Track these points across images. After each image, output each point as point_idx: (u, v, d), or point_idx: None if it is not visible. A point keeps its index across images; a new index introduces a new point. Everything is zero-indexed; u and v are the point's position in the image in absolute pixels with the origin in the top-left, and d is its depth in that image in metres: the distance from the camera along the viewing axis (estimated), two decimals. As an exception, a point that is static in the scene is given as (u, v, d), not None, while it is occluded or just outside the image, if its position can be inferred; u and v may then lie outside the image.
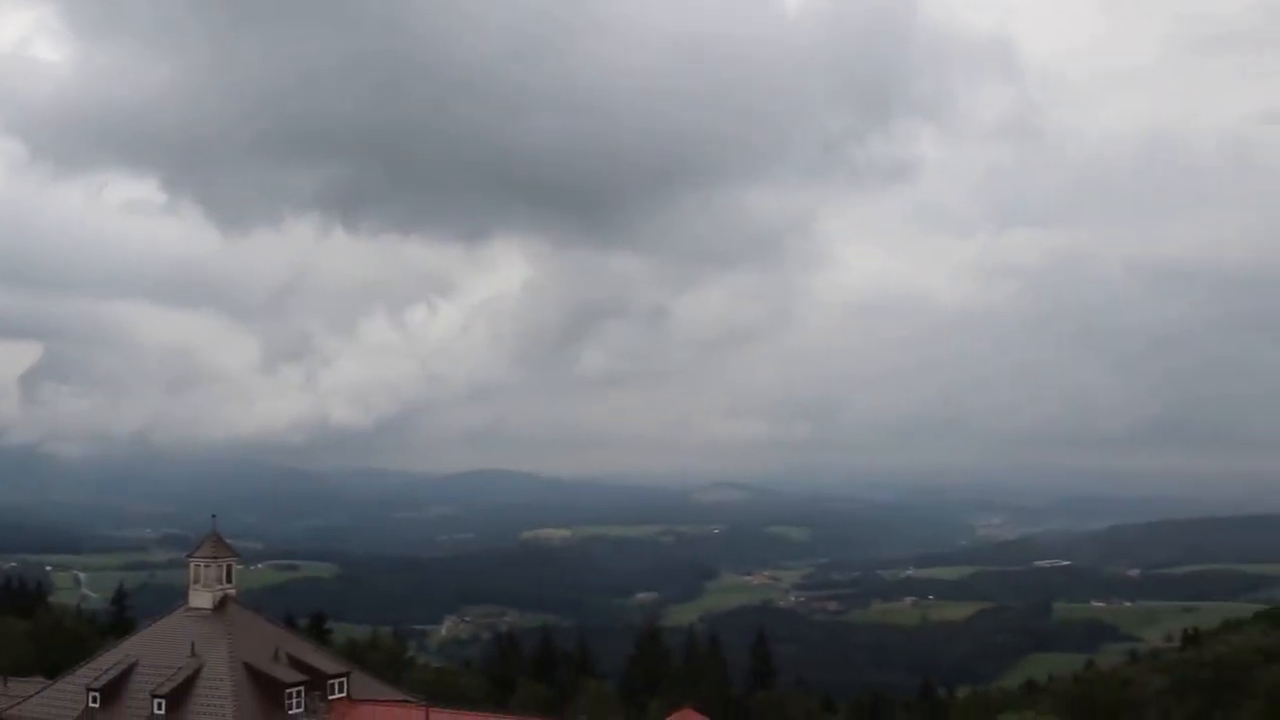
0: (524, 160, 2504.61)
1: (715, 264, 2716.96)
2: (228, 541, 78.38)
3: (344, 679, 74.50)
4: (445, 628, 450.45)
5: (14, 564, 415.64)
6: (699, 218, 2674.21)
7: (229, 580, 76.71)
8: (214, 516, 79.16)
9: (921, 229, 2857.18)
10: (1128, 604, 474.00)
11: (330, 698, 72.06)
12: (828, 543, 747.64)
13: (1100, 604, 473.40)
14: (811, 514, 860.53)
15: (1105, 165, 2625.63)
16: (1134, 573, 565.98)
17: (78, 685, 73.37)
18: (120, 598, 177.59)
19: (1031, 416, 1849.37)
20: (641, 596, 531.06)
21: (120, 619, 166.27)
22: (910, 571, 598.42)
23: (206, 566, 76.14)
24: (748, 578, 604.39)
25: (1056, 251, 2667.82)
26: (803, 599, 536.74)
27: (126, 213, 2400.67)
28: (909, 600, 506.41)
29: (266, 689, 70.19)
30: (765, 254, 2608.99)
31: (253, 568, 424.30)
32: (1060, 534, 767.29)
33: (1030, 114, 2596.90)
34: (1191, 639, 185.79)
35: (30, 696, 75.96)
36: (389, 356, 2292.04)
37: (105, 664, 74.36)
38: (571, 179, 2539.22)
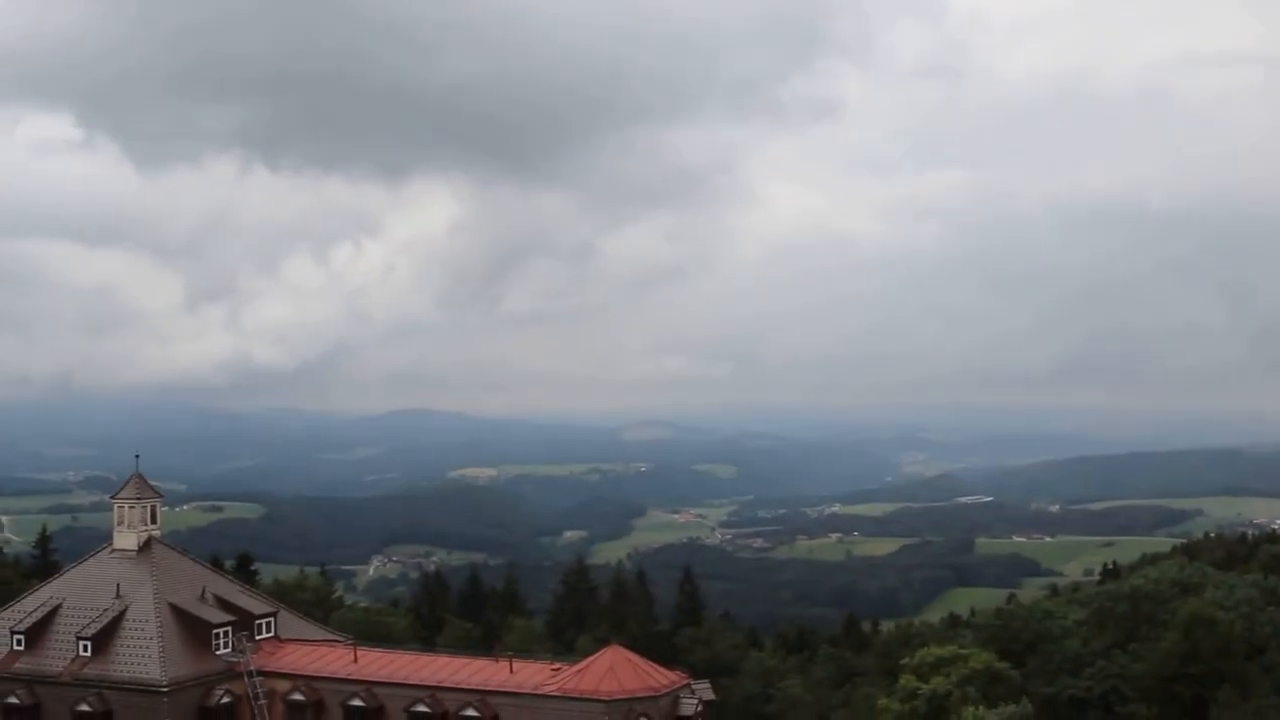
0: (445, 98, 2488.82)
1: (641, 202, 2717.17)
2: (152, 483, 77.67)
3: (271, 619, 74.37)
4: (372, 568, 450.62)
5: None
6: (624, 156, 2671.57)
7: (154, 521, 76.05)
8: (138, 457, 78.33)
9: (845, 168, 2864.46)
10: (1048, 539, 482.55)
11: (258, 638, 71.93)
12: (753, 480, 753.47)
13: (1021, 539, 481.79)
14: (737, 452, 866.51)
15: (1026, 106, 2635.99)
16: (1054, 508, 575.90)
17: (1, 628, 72.70)
18: (43, 540, 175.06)
19: (953, 355, 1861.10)
20: (569, 535, 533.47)
21: (44, 562, 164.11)
22: (835, 508, 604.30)
23: (131, 508, 75.44)
24: (675, 515, 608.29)
25: (977, 192, 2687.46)
26: (729, 536, 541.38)
27: (40, 151, 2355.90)
28: (834, 536, 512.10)
29: (193, 630, 69.91)
30: (691, 193, 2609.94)
31: (177, 509, 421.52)
32: (982, 471, 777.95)
33: (952, 55, 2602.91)
34: (1110, 573, 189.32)
35: (-47, 640, 75.27)
36: (313, 296, 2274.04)
37: (29, 606, 73.63)
38: (494, 116, 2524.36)
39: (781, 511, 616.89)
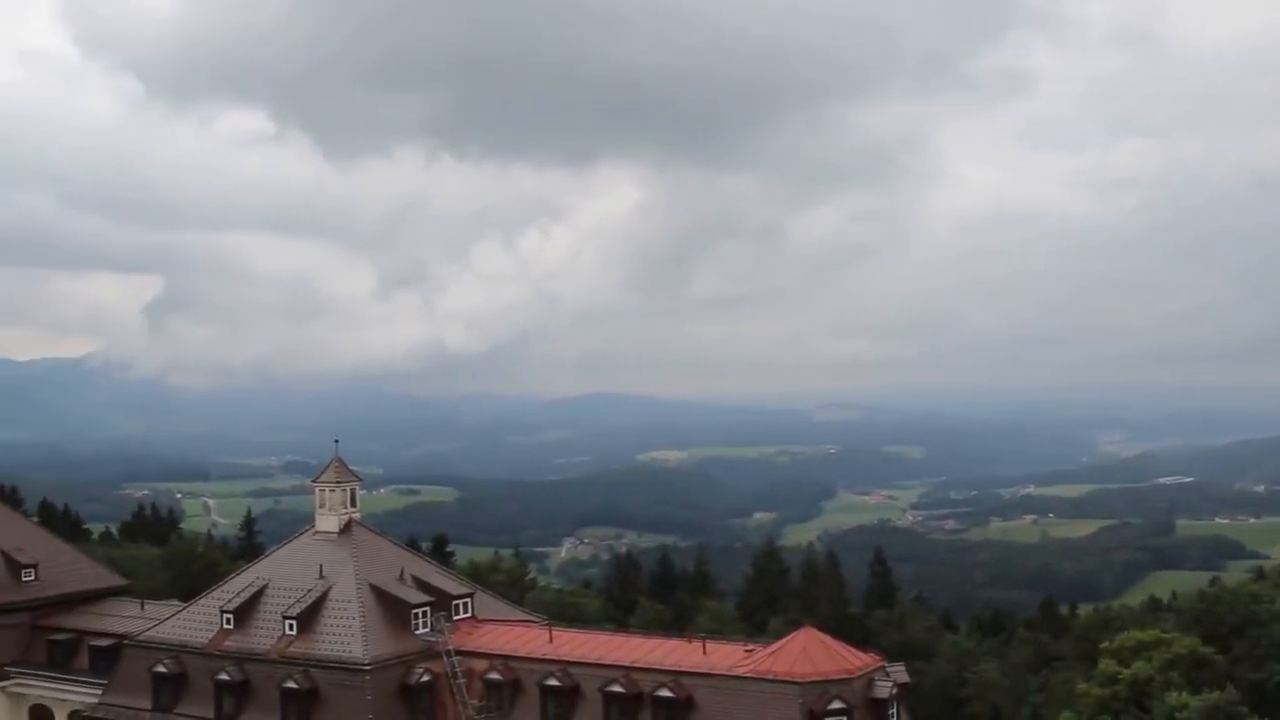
0: (628, 82, 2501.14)
1: (827, 182, 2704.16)
2: (350, 467, 79.43)
3: (468, 599, 75.54)
4: (564, 550, 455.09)
5: (146, 492, 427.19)
6: (810, 135, 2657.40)
7: (353, 505, 77.84)
8: (337, 442, 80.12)
9: (1034, 142, 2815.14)
10: (1253, 520, 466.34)
11: (455, 618, 73.12)
12: (944, 461, 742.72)
13: (1224, 520, 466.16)
14: (927, 432, 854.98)
15: (1223, 73, 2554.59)
16: (1259, 488, 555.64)
17: (211, 608, 75.18)
18: (248, 523, 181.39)
19: (1146, 331, 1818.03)
20: (759, 517, 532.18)
21: (249, 544, 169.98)
22: (1029, 489, 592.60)
23: (331, 491, 77.32)
24: (865, 497, 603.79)
25: (1170, 161, 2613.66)
26: (920, 518, 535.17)
27: (237, 144, 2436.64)
28: (1028, 518, 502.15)
29: (393, 609, 71.36)
30: (876, 171, 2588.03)
31: (375, 493, 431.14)
32: (1181, 449, 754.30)
33: (1144, 22, 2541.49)
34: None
35: (167, 619, 77.94)
36: (502, 282, 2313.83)
37: (237, 587, 76.04)
38: (677, 99, 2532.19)
39: (974, 493, 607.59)
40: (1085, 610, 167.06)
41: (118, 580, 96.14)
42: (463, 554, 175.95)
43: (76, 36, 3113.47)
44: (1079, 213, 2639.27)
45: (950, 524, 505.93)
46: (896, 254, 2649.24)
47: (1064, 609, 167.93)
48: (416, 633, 70.49)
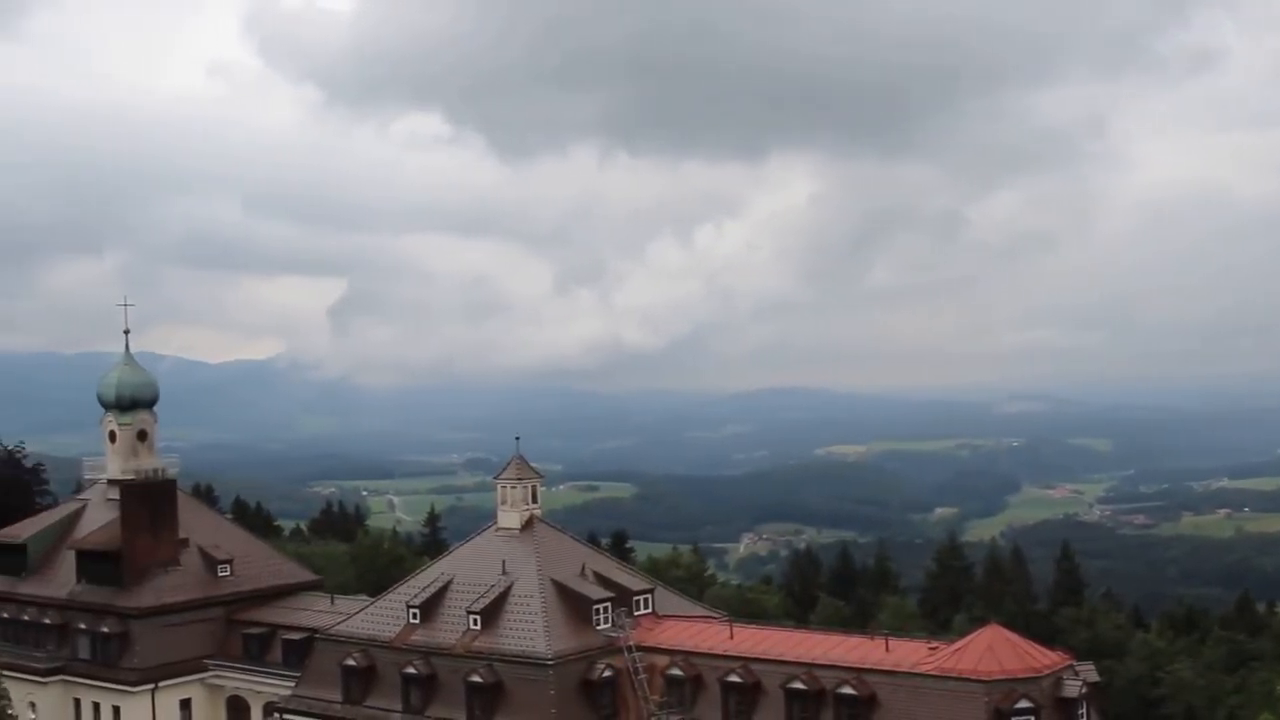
0: (800, 72, 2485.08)
1: (1007, 168, 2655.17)
2: (531, 464, 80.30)
3: (649, 595, 75.87)
4: (743, 545, 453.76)
5: (333, 490, 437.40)
6: (987, 121, 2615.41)
7: (534, 501, 78.70)
8: (518, 439, 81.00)
9: (1223, 123, 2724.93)
10: None
11: (636, 614, 73.49)
12: (1132, 454, 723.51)
13: None
14: (1114, 425, 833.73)
15: None
16: None
17: (398, 603, 76.67)
18: (432, 520, 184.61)
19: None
20: (940, 512, 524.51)
21: (433, 540, 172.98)
22: (1222, 482, 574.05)
23: (513, 488, 78.29)
24: (1050, 491, 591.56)
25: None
26: (1108, 512, 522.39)
27: (414, 147, 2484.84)
28: (1222, 512, 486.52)
29: (575, 605, 72.01)
30: (1060, 156, 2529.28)
31: (555, 489, 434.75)
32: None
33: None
34: None
35: (356, 614, 79.77)
36: (678, 277, 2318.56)
37: (423, 582, 77.45)
38: (850, 88, 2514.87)
39: (1164, 486, 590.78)
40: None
41: (308, 575, 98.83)
42: (641, 550, 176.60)
43: (260, 48, 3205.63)
44: (1271, 196, 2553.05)
45: (1140, 519, 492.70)
46: (1080, 240, 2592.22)
47: (1261, 607, 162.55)
48: (598, 628, 71.06)
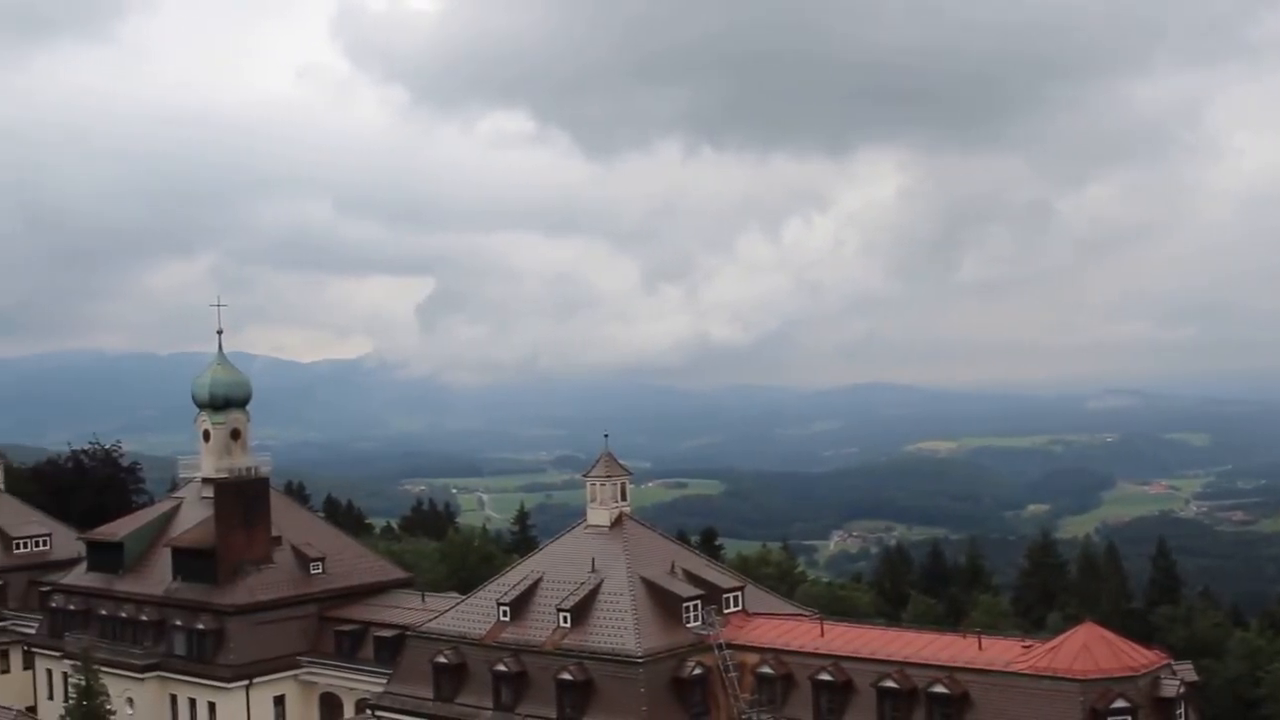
0: (886, 65, 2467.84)
1: (1096, 160, 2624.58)
2: (620, 461, 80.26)
3: (739, 593, 75.52)
4: (833, 542, 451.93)
5: (423, 488, 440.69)
6: (1076, 112, 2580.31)
7: (623, 498, 78.61)
8: (606, 436, 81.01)
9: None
10: None
11: (726, 611, 73.22)
12: (1230, 449, 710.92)
13: None
14: (1211, 419, 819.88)
15: None
16: None
17: (488, 600, 76.94)
18: (521, 517, 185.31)
19: None
20: (1032, 508, 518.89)
21: (522, 537, 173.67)
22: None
23: (602, 485, 78.27)
24: (1144, 487, 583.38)
25: None
26: (1205, 508, 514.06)
27: (499, 146, 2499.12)
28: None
29: (664, 603, 71.81)
30: (1150, 147, 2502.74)
31: (643, 486, 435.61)
32: None
33: None
34: None
35: (446, 611, 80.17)
36: (765, 272, 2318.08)
37: (512, 580, 77.66)
38: (936, 81, 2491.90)
39: (1263, 482, 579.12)
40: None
41: (399, 573, 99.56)
42: (731, 547, 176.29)
43: (347, 50, 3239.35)
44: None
45: (1238, 515, 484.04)
46: (1173, 231, 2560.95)
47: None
48: (688, 626, 70.82)
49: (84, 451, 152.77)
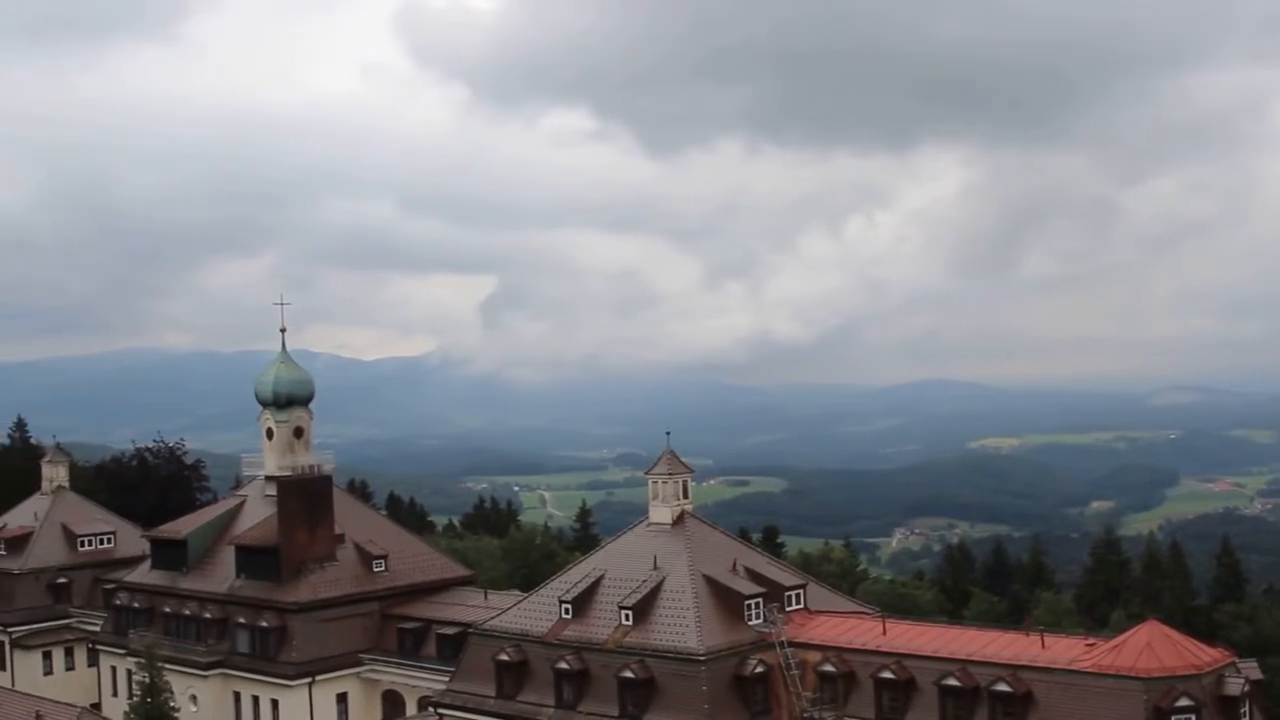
0: (948, 60, 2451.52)
1: (1161, 155, 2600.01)
2: (681, 459, 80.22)
3: (801, 590, 75.46)
4: (895, 540, 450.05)
5: (485, 485, 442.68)
6: (1140, 107, 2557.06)
7: (685, 496, 78.58)
8: (668, 434, 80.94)
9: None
10: None
11: (788, 609, 73.20)
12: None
13: None
14: (1275, 415, 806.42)
15: None
16: None
17: (550, 598, 77.22)
18: (583, 515, 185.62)
19: None
20: (1096, 505, 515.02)
21: (584, 535, 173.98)
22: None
23: (664, 483, 78.27)
24: (1209, 484, 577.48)
25: None
26: (1270, 505, 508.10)
27: (561, 143, 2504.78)
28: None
29: (726, 600, 71.81)
30: (1214, 141, 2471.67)
31: (705, 483, 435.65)
32: None
33: None
34: None
35: (508, 609, 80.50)
36: (827, 269, 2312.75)
37: (574, 577, 77.88)
38: (999, 77, 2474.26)
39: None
40: None
41: (462, 571, 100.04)
42: (793, 544, 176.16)
43: (409, 48, 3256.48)
44: None
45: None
46: (1238, 227, 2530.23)
47: None
48: (750, 624, 70.80)
49: (148, 449, 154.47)
